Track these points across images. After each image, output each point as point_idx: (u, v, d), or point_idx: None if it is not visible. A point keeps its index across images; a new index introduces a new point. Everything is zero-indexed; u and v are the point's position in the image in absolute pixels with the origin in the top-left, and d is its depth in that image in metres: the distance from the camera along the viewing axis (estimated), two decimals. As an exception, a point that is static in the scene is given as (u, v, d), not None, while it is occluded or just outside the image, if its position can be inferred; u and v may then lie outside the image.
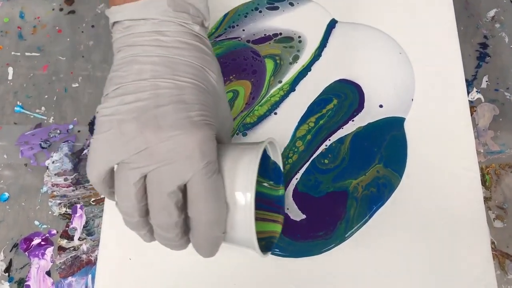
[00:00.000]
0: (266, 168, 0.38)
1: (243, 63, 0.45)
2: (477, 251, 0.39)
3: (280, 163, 0.39)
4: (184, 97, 0.30)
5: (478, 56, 0.53)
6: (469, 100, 0.51)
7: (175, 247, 0.32)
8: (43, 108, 0.51)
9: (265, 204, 0.38)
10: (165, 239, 0.32)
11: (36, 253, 0.46)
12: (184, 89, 0.30)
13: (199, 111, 0.30)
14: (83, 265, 0.45)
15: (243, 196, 0.31)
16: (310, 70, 0.45)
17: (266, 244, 0.37)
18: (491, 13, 0.55)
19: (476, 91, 0.51)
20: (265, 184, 0.38)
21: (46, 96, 0.52)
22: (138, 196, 0.30)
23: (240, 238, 0.32)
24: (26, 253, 0.45)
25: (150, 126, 0.29)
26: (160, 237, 0.32)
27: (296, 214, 0.40)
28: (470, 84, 0.52)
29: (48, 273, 0.45)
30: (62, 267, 0.45)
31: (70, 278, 0.45)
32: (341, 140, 0.43)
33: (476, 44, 0.53)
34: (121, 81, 0.30)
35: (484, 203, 0.47)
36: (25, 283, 0.44)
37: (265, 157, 0.38)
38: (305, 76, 0.45)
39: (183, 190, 0.30)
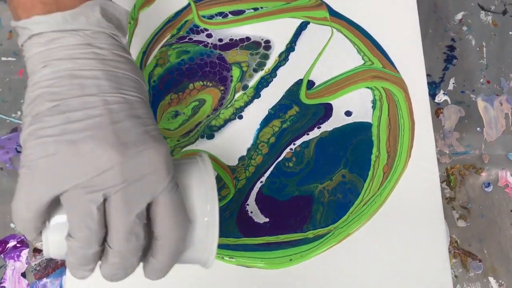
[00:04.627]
0: None
1: (211, 71, 0.46)
2: (435, 251, 0.41)
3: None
4: (137, 112, 0.29)
5: (446, 58, 0.54)
6: (436, 102, 0.52)
7: (126, 275, 0.30)
8: (19, 112, 0.52)
9: None
10: (123, 267, 0.29)
11: (12, 255, 0.47)
12: (133, 103, 0.29)
13: (153, 126, 0.29)
14: (58, 266, 0.46)
15: (207, 211, 0.31)
16: (276, 75, 0.46)
17: None
18: (459, 16, 0.56)
19: (443, 93, 0.52)
20: None
21: (22, 101, 0.53)
22: (101, 222, 0.27)
23: (195, 254, 0.32)
24: (1, 255, 0.46)
25: (111, 143, 0.27)
26: (116, 266, 0.29)
27: (259, 217, 0.41)
28: (437, 86, 0.53)
29: (24, 275, 0.46)
30: (37, 268, 0.46)
31: (45, 279, 0.46)
32: (306, 144, 0.44)
33: (444, 47, 0.54)
34: (59, 97, 0.28)
35: (448, 203, 0.48)
36: (1, 285, 0.45)
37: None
38: (270, 82, 0.46)
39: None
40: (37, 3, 0.29)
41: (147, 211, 0.29)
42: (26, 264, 0.46)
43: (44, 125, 0.27)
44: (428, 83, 0.51)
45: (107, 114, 0.28)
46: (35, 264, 0.46)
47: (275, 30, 0.48)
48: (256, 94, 0.45)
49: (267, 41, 0.47)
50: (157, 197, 0.28)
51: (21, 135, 0.28)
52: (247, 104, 0.45)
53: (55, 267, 0.46)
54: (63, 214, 0.29)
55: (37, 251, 0.47)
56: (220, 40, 0.47)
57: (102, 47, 0.29)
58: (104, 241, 0.28)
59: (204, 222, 0.31)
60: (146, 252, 0.30)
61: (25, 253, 0.47)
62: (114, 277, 0.30)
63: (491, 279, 0.46)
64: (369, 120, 0.45)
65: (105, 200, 0.27)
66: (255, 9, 0.48)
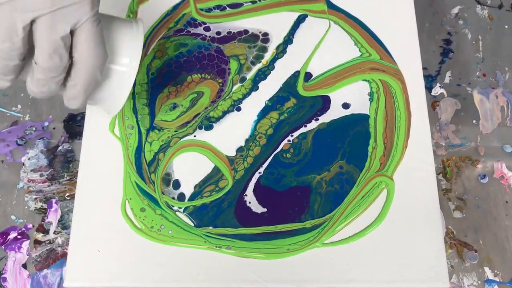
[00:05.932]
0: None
1: (209, 64, 0.47)
2: (431, 242, 0.41)
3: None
4: None
5: (442, 52, 0.55)
6: (432, 95, 0.53)
7: (49, 94, 0.34)
8: (19, 106, 0.53)
9: None
10: (47, 84, 0.33)
11: (13, 246, 0.47)
12: None
13: None
14: (58, 257, 0.47)
15: (127, 54, 0.36)
16: (273, 68, 0.47)
17: None
18: (455, 10, 0.57)
19: (440, 86, 0.53)
20: None
21: (22, 94, 0.53)
22: (25, 40, 0.31)
23: (107, 95, 0.37)
24: (2, 246, 0.47)
25: None
26: (41, 82, 0.33)
27: (257, 207, 0.42)
28: (434, 79, 0.53)
29: (24, 266, 0.46)
30: (38, 259, 0.47)
31: (45, 270, 0.46)
32: (303, 136, 0.44)
33: (440, 41, 0.55)
34: None
35: (445, 194, 0.49)
36: (2, 276, 0.46)
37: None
38: (268, 74, 0.46)
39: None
40: None
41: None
42: (27, 255, 0.47)
43: None
44: (425, 76, 0.52)
45: None
46: (35, 256, 0.47)
47: (273, 23, 0.48)
48: (254, 86, 0.46)
49: (265, 34, 0.48)
50: (80, 26, 0.32)
51: None
52: (245, 96, 0.46)
53: (55, 258, 0.47)
54: None
55: (38, 242, 0.48)
56: (218, 33, 0.48)
57: None
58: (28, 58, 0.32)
59: (124, 63, 0.36)
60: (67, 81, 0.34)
61: (25, 244, 0.47)
62: (39, 93, 0.34)
63: (486, 269, 0.47)
64: (366, 112, 0.45)
65: (32, 22, 0.31)
66: (253, 2, 0.49)
